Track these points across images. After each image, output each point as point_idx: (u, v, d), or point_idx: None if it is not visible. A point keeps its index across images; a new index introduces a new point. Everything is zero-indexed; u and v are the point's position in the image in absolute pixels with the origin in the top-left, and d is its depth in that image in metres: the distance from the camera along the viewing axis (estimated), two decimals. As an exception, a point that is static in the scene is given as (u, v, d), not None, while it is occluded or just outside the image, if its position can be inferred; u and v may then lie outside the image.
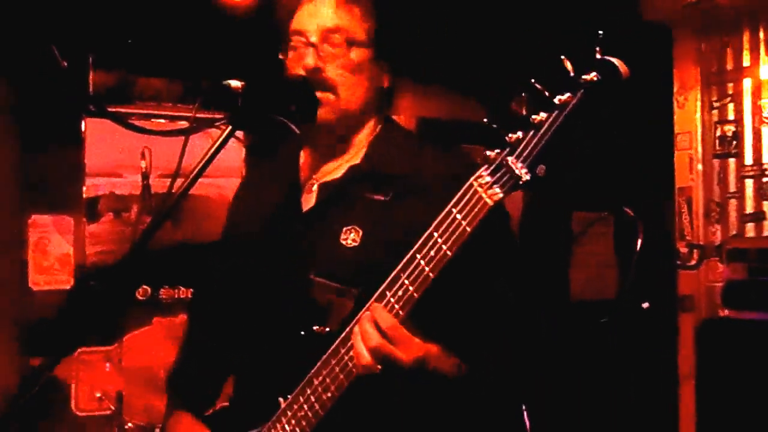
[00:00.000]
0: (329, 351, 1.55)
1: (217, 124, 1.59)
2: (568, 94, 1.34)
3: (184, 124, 4.19)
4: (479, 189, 1.42)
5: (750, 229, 4.48)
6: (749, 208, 4.48)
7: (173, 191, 1.53)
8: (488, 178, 1.41)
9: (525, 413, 3.09)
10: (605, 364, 4.11)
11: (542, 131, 1.36)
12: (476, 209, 1.42)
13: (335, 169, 1.74)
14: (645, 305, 3.75)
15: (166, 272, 4.02)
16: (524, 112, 1.38)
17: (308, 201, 1.74)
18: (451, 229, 1.44)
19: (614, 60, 1.34)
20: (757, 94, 4.43)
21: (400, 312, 1.47)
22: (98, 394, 3.58)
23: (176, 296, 4.10)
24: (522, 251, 1.75)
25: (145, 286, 4.04)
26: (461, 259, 1.44)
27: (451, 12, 4.27)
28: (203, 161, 1.53)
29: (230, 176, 3.85)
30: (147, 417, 3.47)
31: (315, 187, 1.74)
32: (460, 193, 1.44)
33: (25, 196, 3.98)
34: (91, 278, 3.98)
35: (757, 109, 4.43)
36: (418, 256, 1.45)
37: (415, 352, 1.49)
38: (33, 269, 3.98)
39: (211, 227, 3.92)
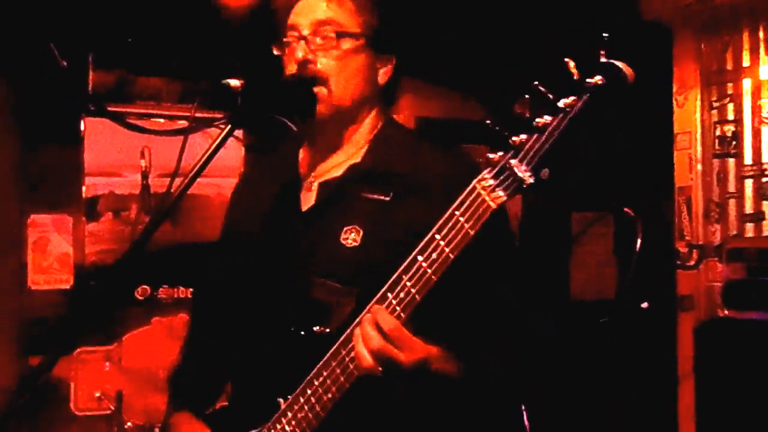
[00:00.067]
0: (330, 352, 1.54)
1: (216, 123, 1.59)
2: (572, 98, 1.34)
3: (183, 123, 4.19)
4: (482, 192, 1.41)
5: (749, 229, 4.48)
6: (749, 208, 4.48)
7: (172, 191, 1.53)
8: (491, 181, 1.41)
9: (525, 413, 3.09)
10: (605, 364, 4.11)
11: (546, 135, 1.35)
12: (479, 212, 1.42)
13: (335, 167, 1.74)
14: (645, 305, 3.75)
15: (166, 272, 4.02)
16: (528, 115, 1.37)
17: (308, 200, 1.74)
18: (453, 232, 1.43)
19: (619, 63, 1.33)
20: (756, 94, 4.42)
21: (402, 314, 1.47)
22: (98, 394, 3.59)
23: (175, 296, 4.10)
24: (522, 252, 1.75)
25: (144, 286, 4.04)
26: (463, 261, 1.44)
27: (451, 11, 4.27)
28: (202, 160, 1.53)
29: (229, 176, 3.84)
30: (146, 417, 3.47)
31: (315, 186, 1.74)
32: (462, 196, 1.43)
33: (25, 195, 3.97)
34: (91, 278, 3.98)
35: (756, 109, 4.42)
36: (420, 258, 1.45)
37: (416, 354, 1.48)
38: (32, 269, 3.97)
39: (211, 227, 3.92)
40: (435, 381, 1.54)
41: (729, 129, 4.55)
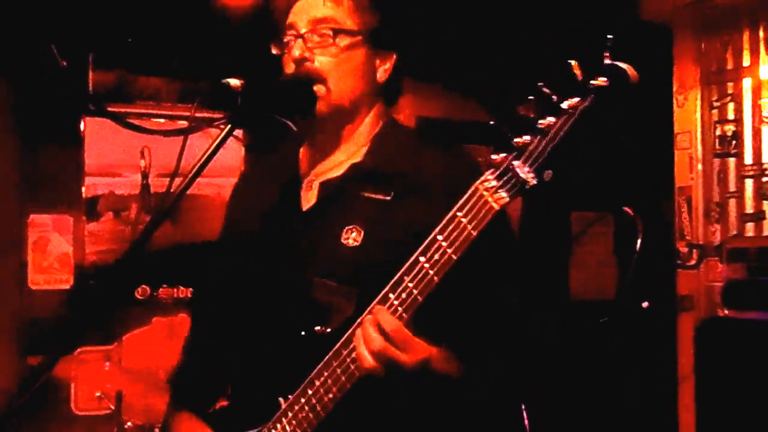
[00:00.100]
0: (331, 352, 1.54)
1: (216, 123, 1.59)
2: (576, 99, 1.33)
3: (183, 123, 4.19)
4: (485, 193, 1.41)
5: (750, 229, 4.47)
6: (749, 208, 4.48)
7: (172, 190, 1.53)
8: (494, 183, 1.40)
9: (525, 413, 3.09)
10: (605, 364, 4.11)
11: (550, 136, 1.35)
12: (482, 213, 1.41)
13: (336, 167, 1.73)
14: (645, 305, 3.75)
15: (166, 272, 4.02)
16: (532, 116, 1.37)
17: (308, 199, 1.73)
18: (456, 233, 1.43)
19: (623, 65, 1.32)
20: (757, 93, 4.42)
21: (404, 315, 1.47)
22: (98, 394, 3.58)
23: (175, 296, 4.10)
24: (522, 251, 1.75)
25: (144, 286, 4.04)
26: (464, 261, 1.44)
27: (450, 11, 4.27)
28: (202, 160, 1.52)
29: (229, 176, 3.85)
30: (146, 417, 3.46)
31: (315, 185, 1.73)
32: (465, 197, 1.43)
33: (25, 195, 3.98)
34: (91, 278, 3.98)
35: (757, 109, 4.42)
36: (422, 260, 1.45)
37: (418, 355, 1.48)
38: (32, 269, 3.98)
39: (211, 227, 3.92)
40: (436, 381, 1.54)
41: (729, 129, 4.55)
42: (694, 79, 4.64)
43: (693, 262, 4.52)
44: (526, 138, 1.37)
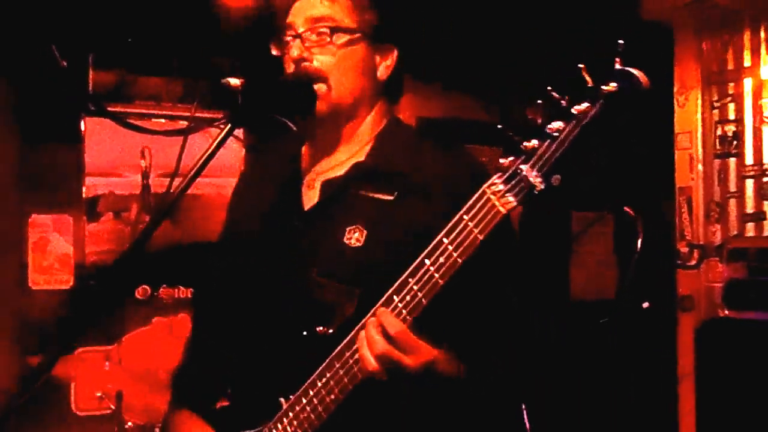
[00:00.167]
0: (333, 354, 1.54)
1: (216, 123, 1.59)
2: (586, 104, 1.32)
3: (183, 123, 4.19)
4: (492, 197, 1.40)
5: (750, 229, 4.47)
6: (749, 208, 4.47)
7: (172, 190, 1.53)
8: (501, 186, 1.40)
9: (525, 413, 3.09)
10: (605, 364, 4.11)
11: (559, 141, 1.34)
12: (488, 217, 1.41)
13: (338, 166, 1.72)
14: (645, 305, 3.75)
15: (166, 272, 4.02)
16: (540, 121, 1.36)
17: (310, 198, 1.73)
18: (462, 237, 1.42)
19: (634, 71, 1.31)
20: (757, 93, 4.42)
21: (408, 317, 1.46)
22: (98, 394, 3.58)
23: (176, 296, 4.10)
24: (522, 251, 1.74)
25: (144, 286, 4.04)
26: (469, 264, 1.43)
27: (450, 10, 4.27)
28: (202, 160, 1.52)
29: (229, 176, 3.84)
30: (147, 416, 3.47)
31: (317, 184, 1.73)
32: (472, 201, 1.42)
33: (25, 195, 3.97)
34: (91, 278, 3.98)
35: (757, 109, 4.42)
36: (428, 262, 1.44)
37: (422, 357, 1.48)
38: (33, 269, 3.97)
39: (211, 226, 3.92)
40: (438, 383, 1.53)
41: (730, 129, 4.55)
42: (695, 79, 4.64)
43: (693, 263, 4.52)
44: (535, 142, 1.36)
